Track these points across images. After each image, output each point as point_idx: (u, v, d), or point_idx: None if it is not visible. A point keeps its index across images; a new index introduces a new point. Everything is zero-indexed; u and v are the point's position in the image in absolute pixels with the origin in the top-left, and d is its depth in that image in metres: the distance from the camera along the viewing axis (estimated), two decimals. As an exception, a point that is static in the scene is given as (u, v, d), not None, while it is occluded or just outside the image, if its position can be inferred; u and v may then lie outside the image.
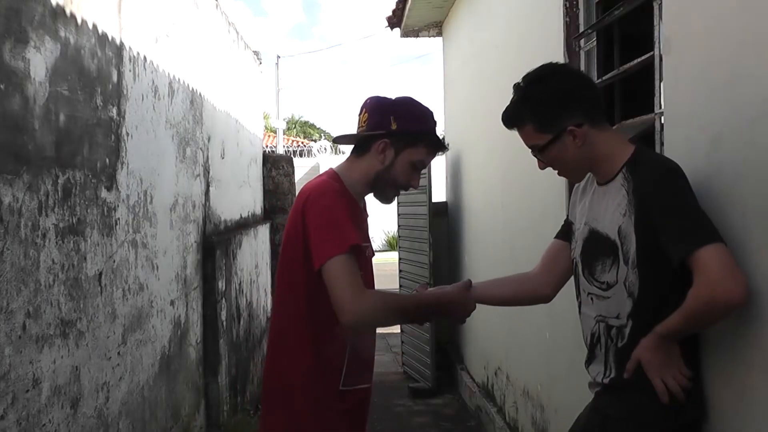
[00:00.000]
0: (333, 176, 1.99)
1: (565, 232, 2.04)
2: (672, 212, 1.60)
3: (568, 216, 2.05)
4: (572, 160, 1.81)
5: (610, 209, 1.75)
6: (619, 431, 1.76)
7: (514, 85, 1.86)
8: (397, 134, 1.96)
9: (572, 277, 1.99)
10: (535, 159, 1.90)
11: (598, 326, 1.82)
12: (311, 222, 1.83)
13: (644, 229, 1.65)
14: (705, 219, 1.57)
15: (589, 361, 1.88)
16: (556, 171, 1.90)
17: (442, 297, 2.04)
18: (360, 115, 2.04)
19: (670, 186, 1.62)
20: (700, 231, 1.54)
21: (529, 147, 1.86)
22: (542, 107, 1.78)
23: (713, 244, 1.51)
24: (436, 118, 2.06)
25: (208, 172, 4.43)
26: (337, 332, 1.87)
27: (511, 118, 1.86)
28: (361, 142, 2.02)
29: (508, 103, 1.89)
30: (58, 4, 2.21)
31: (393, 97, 2.04)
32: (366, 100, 2.05)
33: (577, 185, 2.02)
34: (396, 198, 2.13)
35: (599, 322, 1.82)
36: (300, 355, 1.91)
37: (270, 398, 1.99)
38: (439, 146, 2.03)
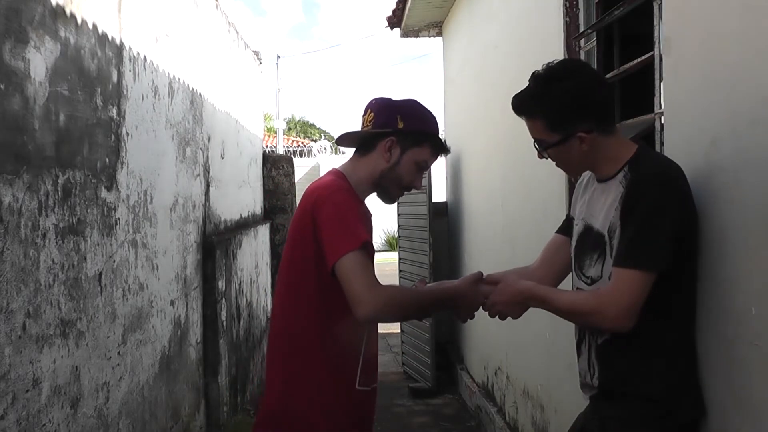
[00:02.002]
0: (339, 175, 1.99)
1: (566, 228, 2.04)
2: (636, 221, 1.63)
3: (569, 212, 2.06)
4: (575, 161, 1.82)
5: (607, 205, 1.76)
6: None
7: (533, 73, 1.84)
8: (403, 133, 1.98)
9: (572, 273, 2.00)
10: (538, 161, 1.91)
11: None
12: (323, 220, 1.83)
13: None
14: (655, 242, 1.61)
15: (577, 357, 1.90)
16: (555, 163, 1.90)
17: (453, 290, 2.03)
18: (364, 115, 2.05)
19: (654, 195, 1.63)
20: (641, 253, 1.61)
21: (534, 139, 1.86)
22: (557, 108, 1.76)
23: (638, 271, 1.60)
24: (438, 122, 2.08)
25: (208, 172, 4.43)
26: (350, 330, 1.86)
27: (522, 107, 1.85)
28: (365, 142, 2.03)
29: (509, 102, 1.88)
30: (58, 4, 2.21)
31: (398, 99, 2.06)
32: (371, 101, 2.06)
33: (579, 182, 2.03)
34: (398, 198, 2.13)
35: None
36: (311, 354, 1.89)
37: (275, 397, 1.96)
38: (442, 148, 2.06)
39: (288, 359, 1.94)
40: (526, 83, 1.86)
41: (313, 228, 1.85)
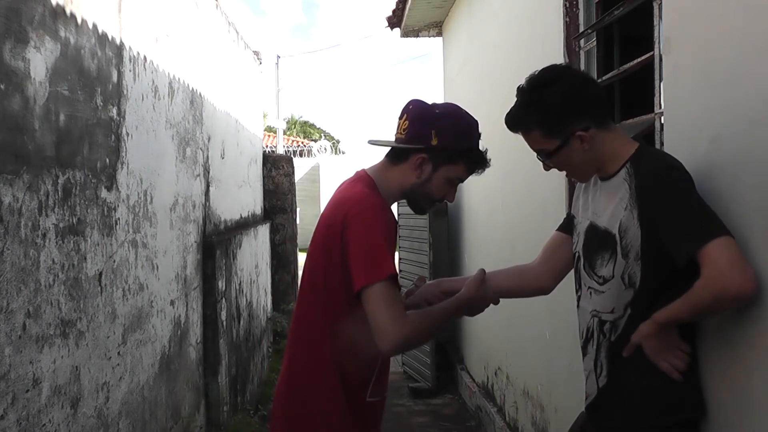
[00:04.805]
0: (370, 184, 1.89)
1: (567, 225, 2.04)
2: (674, 209, 1.60)
3: (570, 210, 2.06)
4: (580, 163, 1.81)
5: (612, 203, 1.76)
6: None
7: (518, 87, 1.84)
8: (436, 150, 1.86)
9: (572, 271, 1.99)
10: (538, 161, 1.90)
11: (592, 321, 1.83)
12: (352, 240, 1.76)
13: (648, 222, 1.65)
14: (709, 213, 1.57)
15: (582, 356, 1.90)
16: (564, 172, 1.89)
17: (463, 299, 1.94)
18: (400, 119, 1.92)
19: (672, 181, 1.63)
20: (705, 226, 1.54)
21: (536, 151, 1.85)
22: (549, 113, 1.76)
23: (719, 238, 1.51)
24: (480, 130, 1.94)
25: (208, 172, 4.43)
26: (371, 347, 1.79)
27: (515, 123, 1.84)
28: (398, 151, 1.91)
29: (508, 103, 1.88)
30: (58, 4, 2.21)
31: (437, 105, 1.92)
32: (408, 104, 1.93)
33: None
34: (429, 211, 2.04)
35: (594, 317, 1.83)
36: (328, 367, 1.86)
37: (287, 402, 1.93)
38: (480, 164, 1.92)
39: (303, 369, 1.91)
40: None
41: (342, 244, 1.78)
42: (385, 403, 2.02)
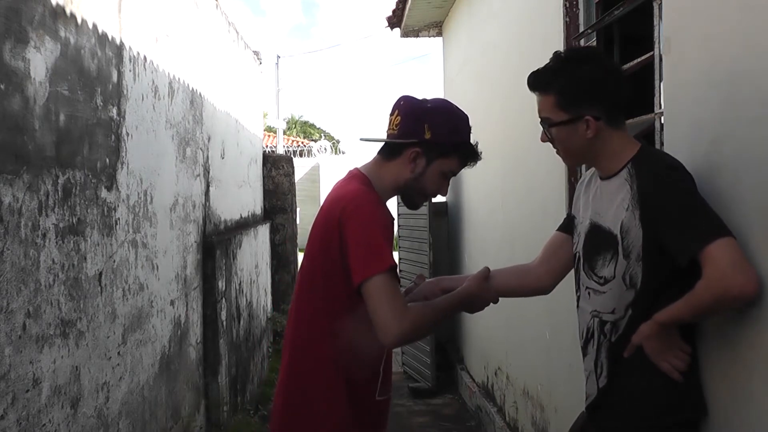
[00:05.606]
0: (365, 181, 1.90)
1: (567, 226, 2.04)
2: (675, 210, 1.60)
3: (570, 210, 2.05)
4: (576, 148, 1.81)
5: (614, 204, 1.76)
6: None
7: (555, 52, 1.85)
8: (430, 144, 1.88)
9: (573, 271, 1.99)
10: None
11: (593, 321, 1.83)
12: (350, 236, 1.76)
13: (650, 223, 1.65)
14: (710, 213, 1.57)
15: (582, 356, 1.90)
16: (555, 150, 1.90)
17: (466, 294, 1.95)
18: (392, 115, 1.94)
19: (672, 182, 1.63)
20: (706, 227, 1.54)
21: (541, 117, 1.85)
22: (572, 87, 1.77)
23: (721, 238, 1.51)
24: (471, 124, 1.96)
25: (208, 172, 4.43)
26: (374, 344, 1.80)
27: (537, 82, 1.85)
28: (391, 146, 1.93)
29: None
30: (58, 4, 2.21)
31: (428, 100, 1.94)
32: (399, 100, 1.95)
33: (581, 181, 2.03)
34: (422, 205, 2.05)
35: (594, 317, 1.82)
36: (331, 368, 1.85)
37: (287, 402, 1.91)
38: (472, 157, 1.95)
39: (302, 368, 1.89)
40: (526, 83, 1.86)
41: (340, 241, 1.78)
42: (390, 402, 2.02)
